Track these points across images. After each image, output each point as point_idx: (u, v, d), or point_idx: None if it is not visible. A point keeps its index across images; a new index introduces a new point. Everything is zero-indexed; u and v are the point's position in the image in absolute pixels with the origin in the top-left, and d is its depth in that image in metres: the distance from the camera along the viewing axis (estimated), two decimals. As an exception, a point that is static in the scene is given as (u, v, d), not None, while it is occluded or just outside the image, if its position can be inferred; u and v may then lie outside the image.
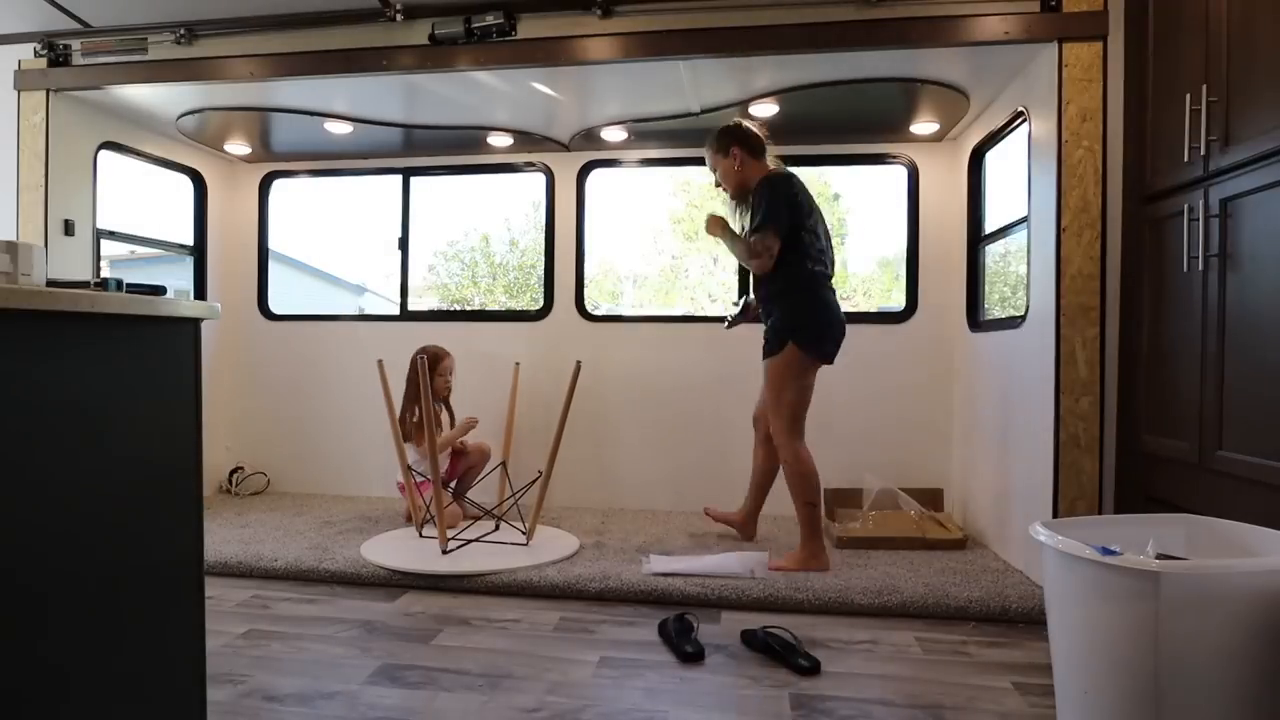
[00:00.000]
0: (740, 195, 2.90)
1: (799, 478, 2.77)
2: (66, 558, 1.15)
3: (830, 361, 2.80)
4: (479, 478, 3.54)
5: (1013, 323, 2.93)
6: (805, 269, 2.75)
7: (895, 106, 3.23)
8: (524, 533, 3.02)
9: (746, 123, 2.93)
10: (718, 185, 2.96)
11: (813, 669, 2.00)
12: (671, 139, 3.67)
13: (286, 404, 4.14)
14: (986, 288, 3.51)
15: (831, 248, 2.86)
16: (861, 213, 8.61)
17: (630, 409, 3.82)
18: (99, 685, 1.22)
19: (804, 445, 2.80)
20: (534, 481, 3.06)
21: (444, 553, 2.87)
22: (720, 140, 2.88)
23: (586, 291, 3.96)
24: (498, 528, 3.16)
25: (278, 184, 4.22)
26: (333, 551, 2.92)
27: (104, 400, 1.23)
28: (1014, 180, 3.04)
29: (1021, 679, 1.97)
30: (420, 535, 3.11)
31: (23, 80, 3.11)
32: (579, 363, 3.04)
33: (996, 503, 3.05)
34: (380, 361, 3.24)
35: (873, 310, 7.86)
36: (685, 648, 2.10)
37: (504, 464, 3.36)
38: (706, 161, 2.96)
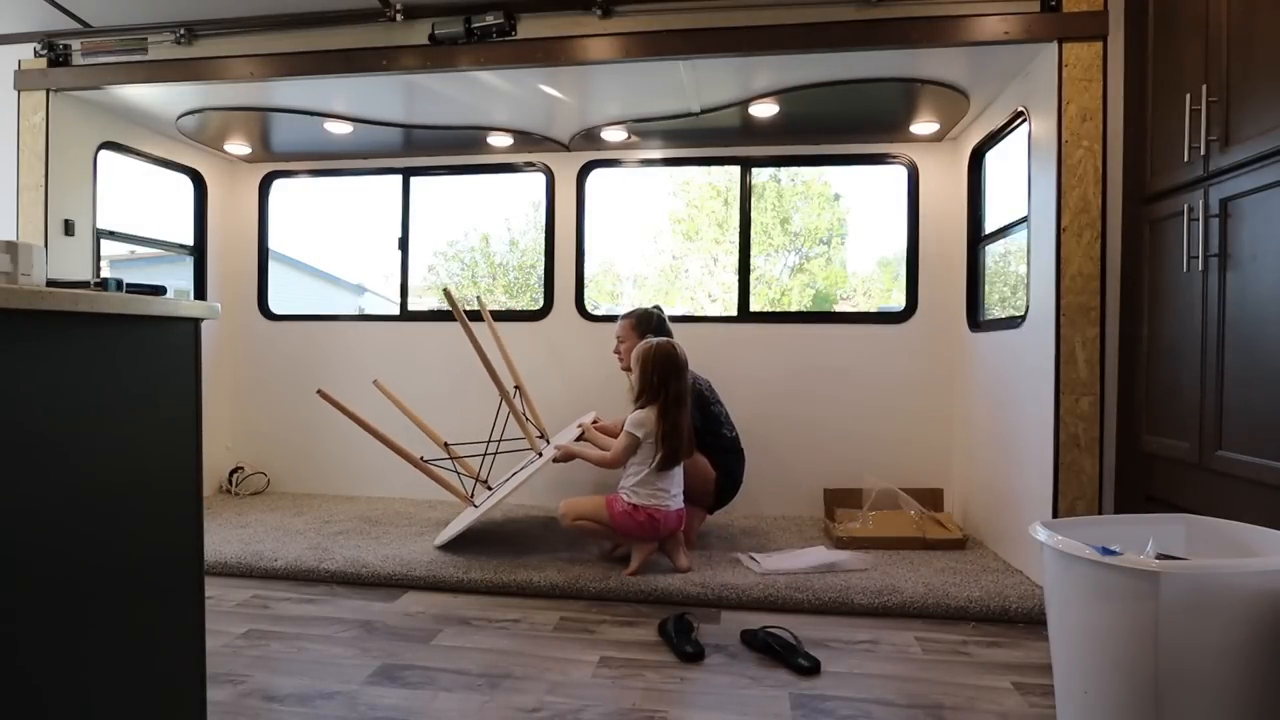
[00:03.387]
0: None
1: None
2: (66, 558, 1.15)
3: (710, 512, 3.22)
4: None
5: (1013, 323, 2.93)
6: (725, 435, 3.17)
7: (895, 106, 3.23)
8: (538, 449, 3.08)
9: (665, 319, 3.28)
10: (616, 352, 3.29)
11: (813, 669, 2.00)
12: (671, 139, 3.67)
13: (286, 404, 4.14)
14: (986, 288, 3.51)
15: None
16: (861, 213, 8.63)
17: (630, 409, 3.82)
18: (99, 685, 1.22)
19: None
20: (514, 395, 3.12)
21: (475, 506, 2.97)
22: (642, 323, 3.23)
23: (586, 291, 3.96)
24: (473, 493, 3.18)
25: (278, 184, 4.22)
26: (333, 551, 2.92)
27: (104, 400, 1.23)
28: (1014, 180, 3.04)
29: (1021, 679, 1.97)
30: (475, 505, 3.12)
31: (23, 80, 3.11)
32: (446, 289, 3.13)
33: (996, 503, 3.05)
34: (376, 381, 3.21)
35: (873, 310, 7.89)
36: (685, 648, 2.10)
37: (446, 445, 3.32)
38: (618, 329, 3.28)
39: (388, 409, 3.81)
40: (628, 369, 3.25)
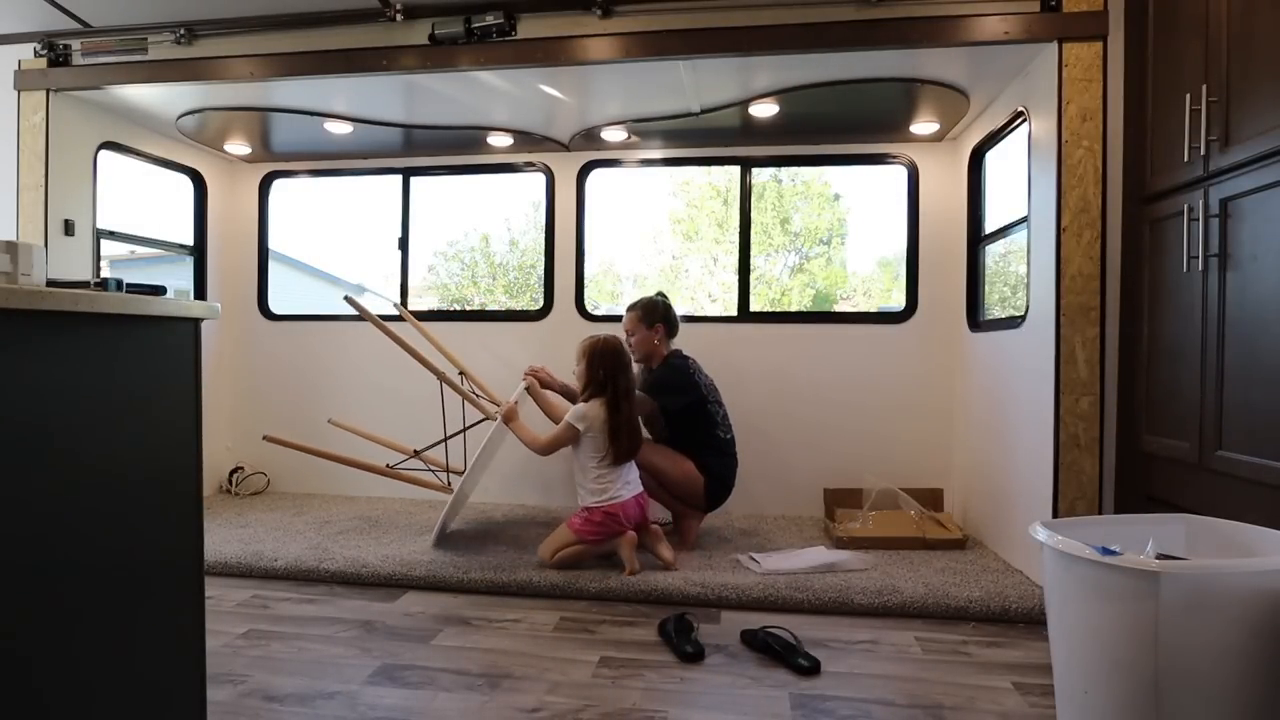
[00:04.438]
0: (645, 362, 3.28)
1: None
2: (65, 558, 1.15)
3: (704, 513, 3.16)
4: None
5: (1013, 323, 2.93)
6: (718, 436, 3.13)
7: (895, 106, 3.23)
8: (491, 415, 3.12)
9: (671, 307, 3.29)
10: (628, 345, 3.19)
11: (813, 669, 2.00)
12: (671, 139, 3.67)
13: (286, 404, 4.14)
14: (986, 288, 3.51)
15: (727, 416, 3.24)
16: (861, 213, 8.63)
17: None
18: (99, 685, 1.22)
19: None
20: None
21: (449, 486, 2.99)
22: (649, 314, 3.23)
23: (586, 291, 3.96)
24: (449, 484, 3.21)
25: (278, 184, 4.22)
26: (333, 551, 2.92)
27: (104, 400, 1.23)
28: (1014, 180, 3.04)
29: (1021, 679, 1.97)
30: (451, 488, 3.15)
31: (23, 80, 3.11)
32: (347, 296, 3.19)
33: (996, 503, 3.05)
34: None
35: (873, 310, 7.88)
36: (685, 648, 2.10)
37: (416, 452, 3.34)
38: (625, 322, 3.28)
39: (379, 408, 3.82)
40: (640, 362, 3.25)
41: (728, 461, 3.15)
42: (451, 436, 3.23)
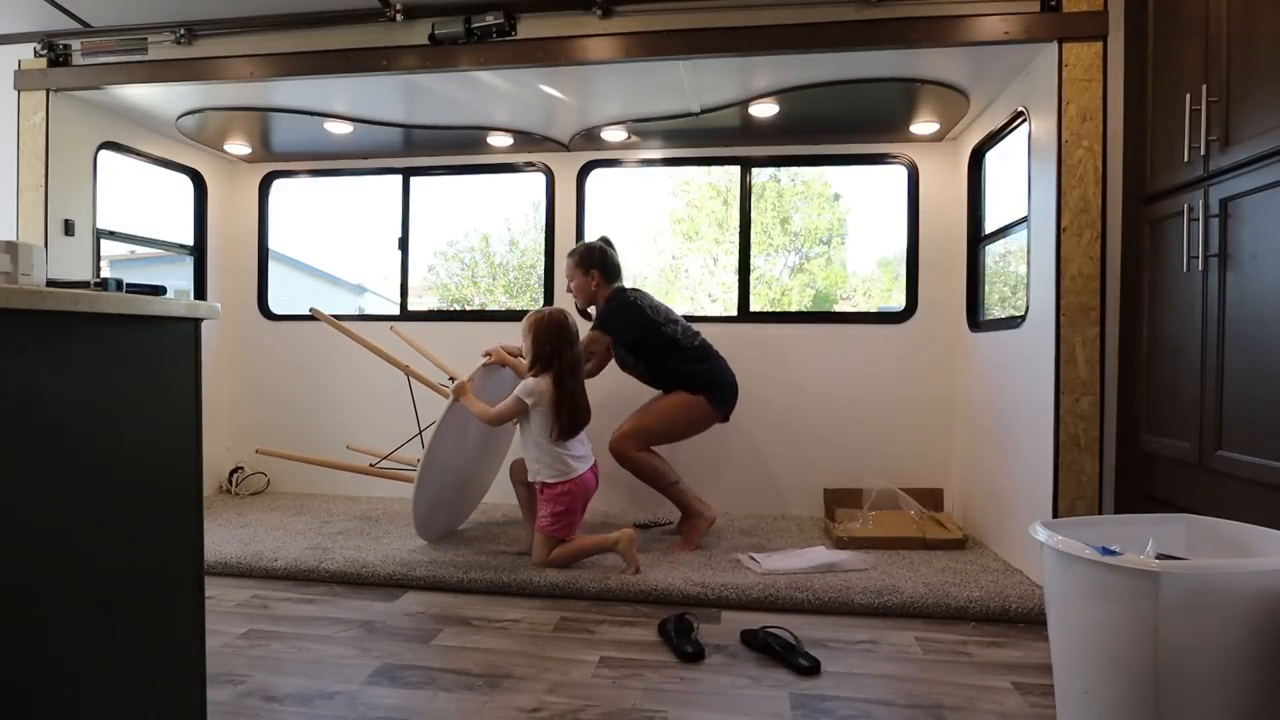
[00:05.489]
0: (587, 307, 3.28)
1: (650, 471, 3.08)
2: (66, 558, 1.15)
3: (726, 419, 3.18)
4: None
5: (1013, 323, 2.93)
6: (688, 347, 3.12)
7: (895, 106, 3.23)
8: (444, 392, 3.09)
9: (610, 250, 3.21)
10: (569, 290, 3.24)
11: (813, 669, 2.00)
12: (671, 139, 3.67)
13: (287, 404, 4.14)
14: (986, 288, 3.51)
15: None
16: (861, 213, 8.64)
17: (629, 408, 3.82)
18: (98, 685, 1.22)
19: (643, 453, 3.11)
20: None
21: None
22: (584, 260, 3.17)
23: (586, 291, 3.96)
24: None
25: (278, 184, 4.22)
26: (333, 551, 2.92)
27: (104, 400, 1.23)
28: (1014, 180, 3.04)
29: (1021, 679, 1.97)
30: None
31: (23, 80, 3.11)
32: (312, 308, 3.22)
33: (996, 503, 3.05)
34: None
35: (873, 310, 7.89)
36: (685, 648, 2.10)
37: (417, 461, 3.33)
38: (565, 269, 3.24)
39: (380, 407, 3.83)
40: (583, 308, 3.27)
41: (711, 365, 3.13)
42: (426, 430, 3.21)
